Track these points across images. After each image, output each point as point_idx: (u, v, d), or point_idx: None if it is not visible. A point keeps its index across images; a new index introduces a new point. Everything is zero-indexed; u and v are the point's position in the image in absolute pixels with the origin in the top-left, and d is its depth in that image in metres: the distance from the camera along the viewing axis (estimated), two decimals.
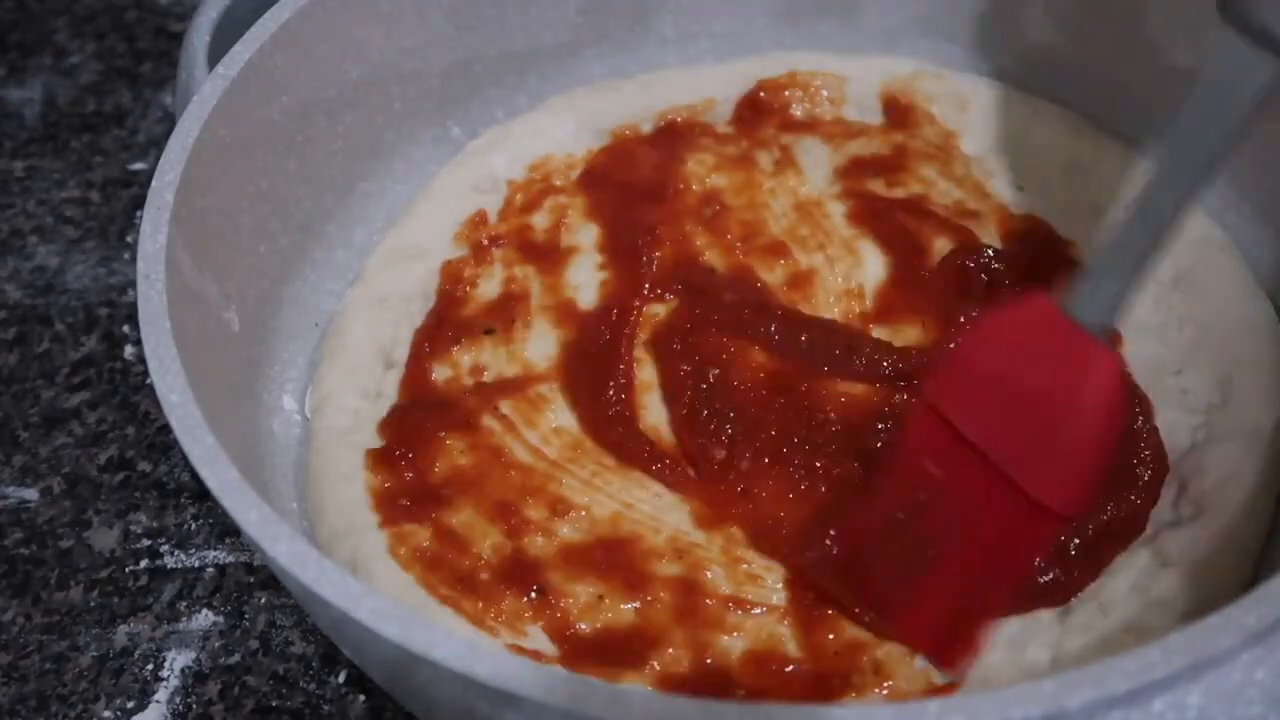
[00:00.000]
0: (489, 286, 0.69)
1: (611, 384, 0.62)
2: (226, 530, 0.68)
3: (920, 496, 0.51)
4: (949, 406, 0.50)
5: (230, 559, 0.67)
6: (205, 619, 0.65)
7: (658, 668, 0.52)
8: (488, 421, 0.62)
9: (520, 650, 0.52)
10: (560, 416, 0.62)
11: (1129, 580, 0.53)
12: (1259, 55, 0.43)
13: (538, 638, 0.53)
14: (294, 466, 0.62)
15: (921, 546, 0.51)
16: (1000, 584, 0.51)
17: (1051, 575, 0.53)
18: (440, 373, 0.65)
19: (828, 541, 0.54)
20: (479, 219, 0.72)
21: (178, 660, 0.63)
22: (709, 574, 0.55)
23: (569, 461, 0.60)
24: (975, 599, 0.51)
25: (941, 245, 0.68)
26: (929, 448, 0.51)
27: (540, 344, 0.66)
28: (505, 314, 0.67)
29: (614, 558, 0.56)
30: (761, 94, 0.77)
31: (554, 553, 0.56)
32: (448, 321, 0.67)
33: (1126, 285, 0.47)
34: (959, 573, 0.51)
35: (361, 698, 0.61)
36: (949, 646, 0.51)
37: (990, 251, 0.67)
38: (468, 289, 0.68)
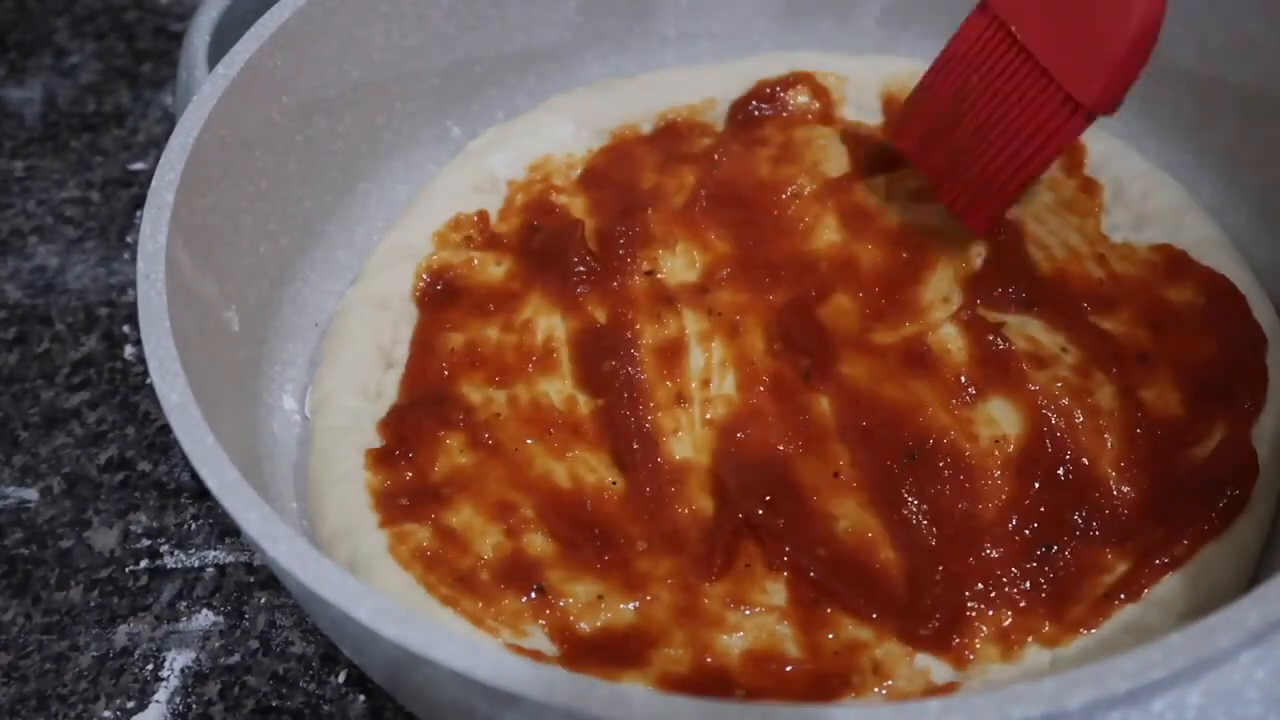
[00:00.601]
0: (489, 285, 0.69)
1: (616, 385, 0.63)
2: (226, 530, 0.68)
3: (970, 90, 0.64)
4: (1006, 8, 0.62)
5: (230, 559, 0.67)
6: (205, 619, 0.65)
7: (658, 667, 0.52)
8: (487, 420, 0.62)
9: (520, 650, 0.52)
10: (561, 415, 0.62)
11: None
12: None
13: (538, 638, 0.53)
14: (294, 466, 0.62)
15: (968, 133, 0.64)
16: (1027, 166, 0.62)
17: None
18: (440, 372, 0.65)
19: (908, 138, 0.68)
20: (480, 219, 0.72)
21: (178, 660, 0.63)
22: None
23: (569, 460, 0.60)
24: (1003, 175, 0.62)
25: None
26: (978, 50, 0.64)
27: (541, 343, 0.66)
28: (506, 313, 0.67)
29: (614, 556, 0.56)
30: (761, 94, 0.77)
31: (554, 552, 0.56)
32: (448, 320, 0.67)
33: None
34: (995, 153, 0.62)
35: (361, 698, 0.61)
36: (975, 209, 0.64)
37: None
38: (468, 288, 0.68)
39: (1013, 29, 0.62)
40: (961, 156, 0.64)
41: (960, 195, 0.65)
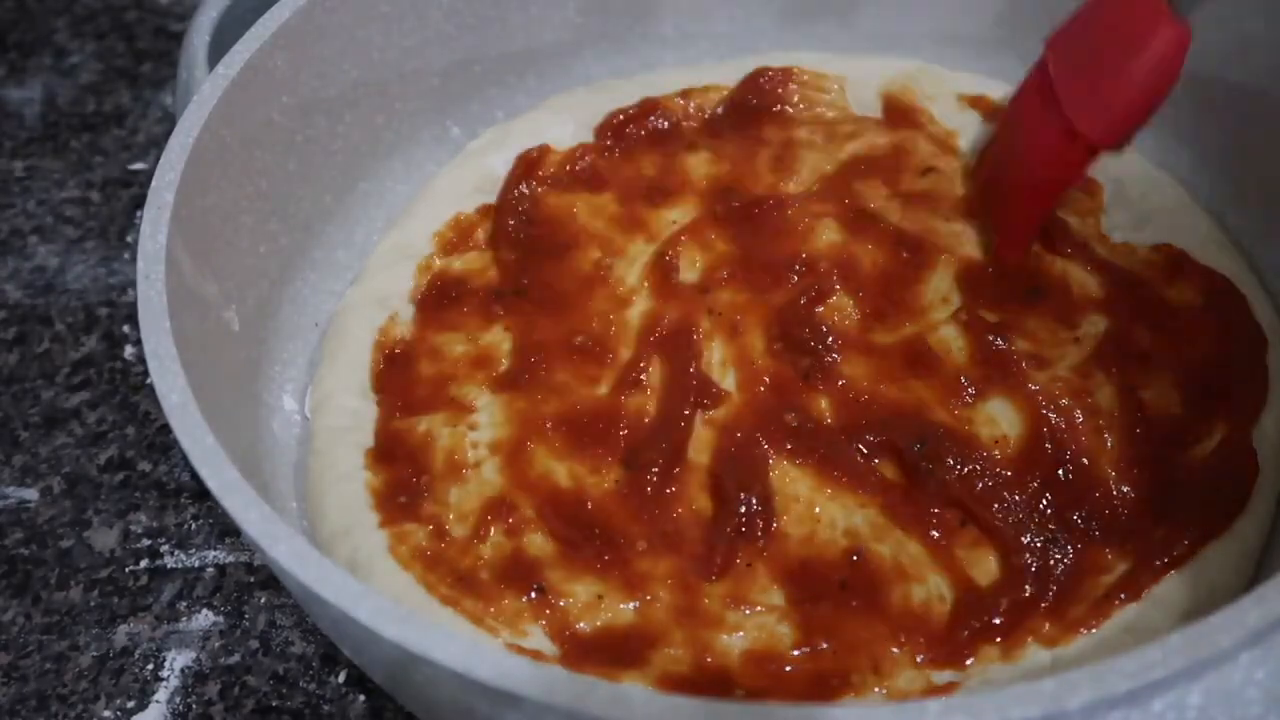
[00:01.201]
0: (489, 286, 0.68)
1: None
2: (226, 530, 0.68)
3: (1013, 137, 0.67)
4: (1051, 55, 0.62)
5: (230, 559, 0.67)
6: (205, 619, 0.65)
7: (658, 667, 0.52)
8: (488, 420, 0.62)
9: (520, 650, 0.52)
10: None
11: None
12: None
13: (538, 638, 0.53)
14: (294, 466, 0.62)
15: (1000, 166, 0.68)
16: (1039, 197, 0.65)
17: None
18: (440, 372, 0.64)
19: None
20: (480, 218, 0.72)
21: (178, 660, 0.63)
22: None
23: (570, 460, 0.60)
24: (1021, 205, 0.66)
25: None
26: (1027, 97, 0.65)
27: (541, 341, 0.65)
28: (506, 312, 0.67)
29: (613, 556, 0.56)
30: (761, 93, 0.77)
31: (554, 552, 0.56)
32: (448, 320, 0.67)
33: None
34: (1013, 184, 0.66)
35: (361, 698, 0.61)
36: (1004, 238, 0.66)
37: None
38: (468, 288, 0.68)
39: (1049, 62, 0.62)
40: (995, 190, 0.68)
41: (998, 227, 0.67)
